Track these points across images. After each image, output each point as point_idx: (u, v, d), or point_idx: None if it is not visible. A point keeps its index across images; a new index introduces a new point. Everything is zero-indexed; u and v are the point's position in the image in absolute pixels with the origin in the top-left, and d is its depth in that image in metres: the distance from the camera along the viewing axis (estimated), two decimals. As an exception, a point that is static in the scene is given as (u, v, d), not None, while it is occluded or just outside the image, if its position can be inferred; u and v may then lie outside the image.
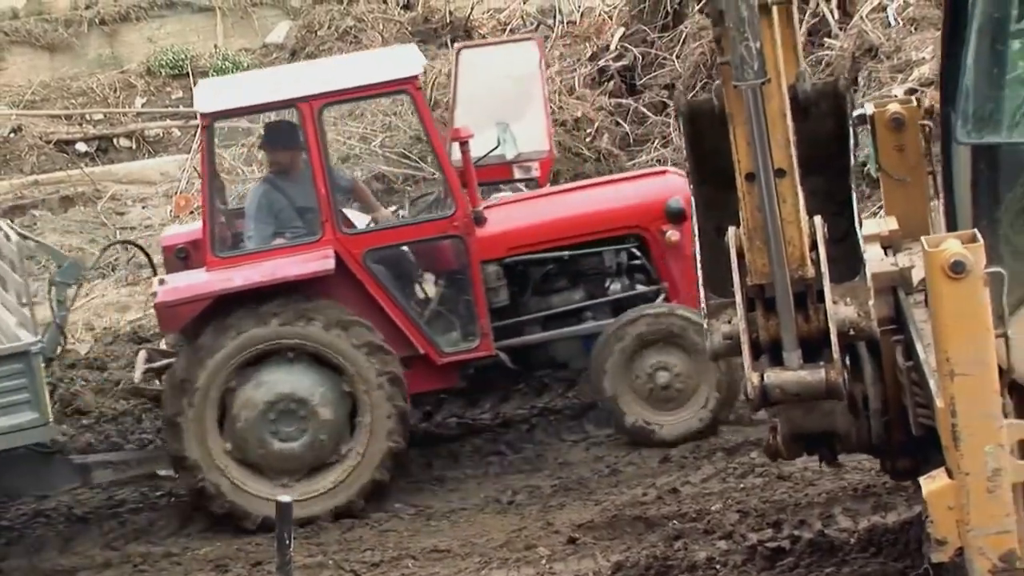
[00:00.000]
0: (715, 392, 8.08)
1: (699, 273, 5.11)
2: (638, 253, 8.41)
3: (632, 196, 8.61)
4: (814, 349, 4.93)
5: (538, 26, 18.88)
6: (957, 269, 4.39)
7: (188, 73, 24.39)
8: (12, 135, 20.92)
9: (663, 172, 8.98)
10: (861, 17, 14.80)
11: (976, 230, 4.58)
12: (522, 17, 19.03)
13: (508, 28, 18.72)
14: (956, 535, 4.54)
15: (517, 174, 8.96)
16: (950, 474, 4.55)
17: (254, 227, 8.35)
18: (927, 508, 4.59)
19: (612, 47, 17.09)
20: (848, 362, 5.23)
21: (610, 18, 18.06)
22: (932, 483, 4.60)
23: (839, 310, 4.90)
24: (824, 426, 5.40)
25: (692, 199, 5.26)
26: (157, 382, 8.38)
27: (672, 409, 8.13)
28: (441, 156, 8.22)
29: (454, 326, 8.24)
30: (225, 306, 7.90)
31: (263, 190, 8.50)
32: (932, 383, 4.61)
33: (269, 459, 7.92)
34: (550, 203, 8.69)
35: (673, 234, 8.25)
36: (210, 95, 8.72)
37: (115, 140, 21.59)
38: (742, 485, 7.42)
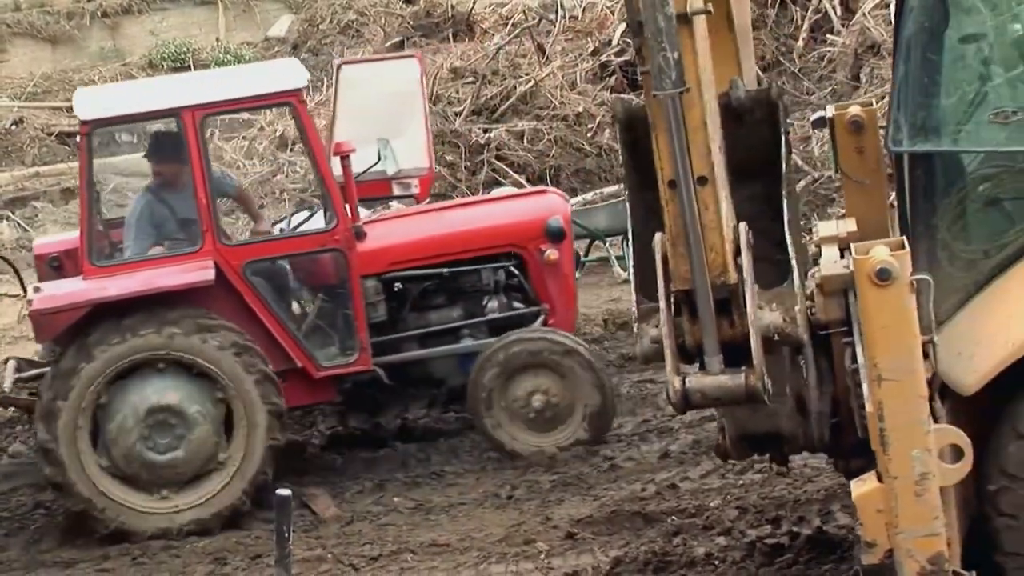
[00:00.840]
0: (590, 413, 8.13)
1: (632, 277, 5.23)
2: (517, 272, 8.41)
3: (512, 214, 8.65)
4: (743, 354, 4.98)
5: (540, 20, 18.87)
6: (883, 276, 4.47)
7: (190, 66, 24.40)
8: (14, 127, 20.94)
9: (544, 191, 9.01)
10: (863, 14, 14.79)
11: (905, 238, 4.66)
12: (524, 11, 19.00)
13: (510, 22, 18.71)
14: (885, 538, 4.62)
15: (397, 190, 8.98)
16: (880, 478, 4.62)
17: (133, 237, 8.29)
18: (857, 511, 4.67)
19: (614, 42, 17.07)
20: (802, 363, 5.31)
21: (612, 13, 18.04)
22: (862, 486, 4.70)
23: (764, 315, 4.99)
24: (769, 427, 5.48)
25: (628, 204, 5.33)
26: (27, 392, 8.27)
27: (548, 431, 8.16)
28: (323, 169, 8.15)
29: (333, 340, 8.22)
30: (94, 319, 7.81)
31: (145, 200, 8.46)
32: (864, 387, 4.66)
33: (148, 472, 7.87)
34: (431, 220, 8.72)
35: (552, 253, 8.29)
36: (90, 103, 8.68)
37: (116, 133, 21.56)
38: (741, 481, 7.43)
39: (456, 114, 15.86)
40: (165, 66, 24.51)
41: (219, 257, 7.99)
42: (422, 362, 8.38)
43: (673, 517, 7.07)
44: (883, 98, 13.15)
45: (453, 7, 19.48)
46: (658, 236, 5.03)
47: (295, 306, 8.41)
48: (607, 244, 12.90)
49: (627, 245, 13.19)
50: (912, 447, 4.51)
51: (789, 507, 6.94)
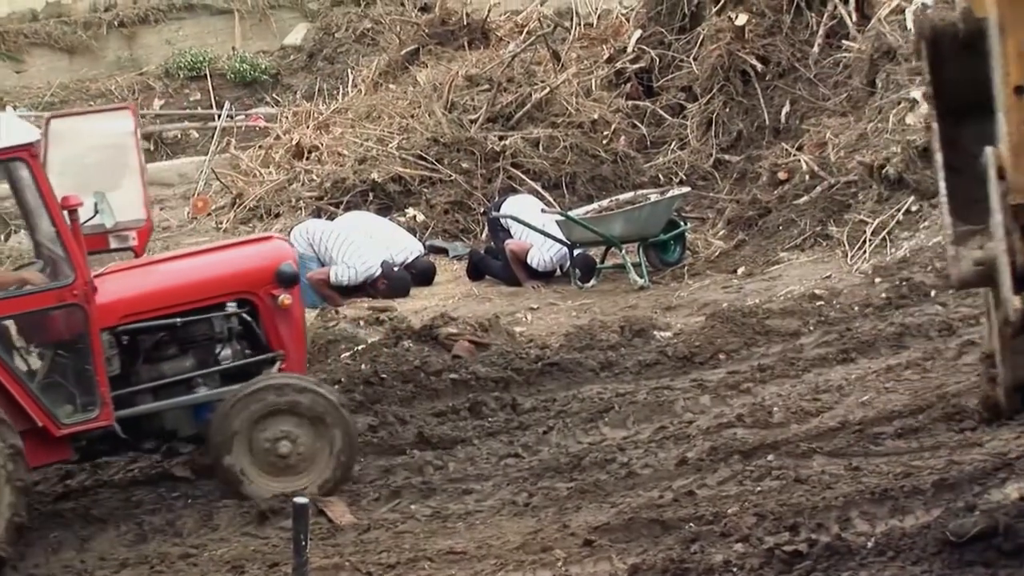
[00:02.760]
0: (335, 458, 8.09)
1: (944, 203, 4.81)
2: (250, 319, 8.34)
3: (243, 261, 8.58)
4: None
5: (555, 28, 18.89)
6: None
7: (206, 75, 24.47)
8: (31, 137, 20.88)
9: (270, 238, 8.92)
10: (879, 20, 14.78)
11: None
12: (539, 19, 19.02)
13: (525, 30, 18.72)
14: None
15: (114, 244, 8.81)
16: None
17: None
18: None
19: (629, 49, 17.10)
20: None
21: (627, 20, 18.08)
22: None
23: None
24: None
25: (933, 129, 4.93)
26: None
27: (290, 476, 8.10)
28: (60, 224, 7.87)
29: (73, 397, 8.02)
30: None
31: None
32: None
33: None
34: (161, 270, 8.62)
35: (286, 298, 8.25)
36: None
37: None
38: (759, 488, 7.41)
39: (472, 121, 15.89)
40: (182, 75, 24.60)
41: None
42: (157, 414, 8.24)
43: (691, 524, 7.05)
44: (899, 103, 13.14)
45: (468, 15, 19.51)
46: (989, 150, 4.66)
47: (33, 363, 8.16)
48: (623, 251, 12.90)
49: (642, 252, 13.26)
50: None
51: (807, 514, 6.92)
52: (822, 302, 10.55)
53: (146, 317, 8.22)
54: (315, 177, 15.82)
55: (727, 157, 15.25)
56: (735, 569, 6.48)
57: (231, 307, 8.35)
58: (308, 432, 8.08)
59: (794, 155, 13.72)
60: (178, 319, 8.25)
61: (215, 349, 8.38)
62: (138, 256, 8.88)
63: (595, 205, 13.63)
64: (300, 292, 8.54)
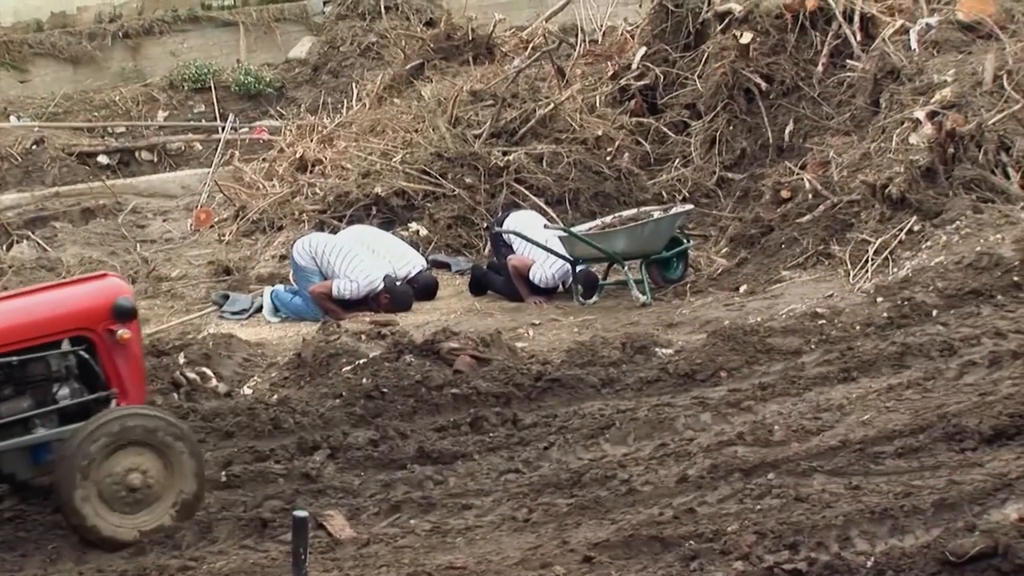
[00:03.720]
0: (182, 500, 7.95)
1: None
2: (88, 356, 8.21)
3: (80, 298, 8.38)
4: None
5: (560, 44, 18.92)
6: None
7: (211, 87, 24.52)
8: (35, 147, 21.06)
9: (104, 275, 8.82)
10: (883, 39, 14.83)
11: None
12: (544, 35, 19.07)
13: (530, 46, 18.76)
14: None
15: None
16: None
17: None
18: None
19: (634, 66, 17.15)
20: None
21: (632, 37, 18.12)
22: None
23: None
24: None
25: None
26: None
27: (133, 512, 7.93)
28: None
29: None
30: None
31: None
32: None
33: None
34: None
35: (124, 333, 8.12)
36: None
37: (137, 153, 21.72)
38: (759, 506, 7.40)
39: (476, 137, 15.93)
40: (186, 87, 24.66)
41: None
42: None
43: (691, 542, 7.05)
44: (902, 123, 13.16)
45: (474, 30, 19.57)
46: None
47: None
48: (625, 268, 12.91)
49: (644, 269, 13.28)
50: None
51: (807, 532, 6.92)
52: (824, 321, 10.55)
53: None
54: (318, 190, 15.85)
55: (730, 175, 15.27)
56: (734, 587, 6.48)
57: (67, 345, 8.16)
58: (161, 471, 7.91)
59: (797, 174, 13.74)
60: (13, 358, 8.04)
61: (52, 388, 8.18)
62: None
63: (598, 221, 13.64)
64: (138, 326, 8.36)
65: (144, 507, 7.94)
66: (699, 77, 16.06)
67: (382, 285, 12.99)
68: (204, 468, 8.15)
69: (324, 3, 26.01)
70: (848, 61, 15.21)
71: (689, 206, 13.96)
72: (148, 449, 7.90)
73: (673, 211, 13.31)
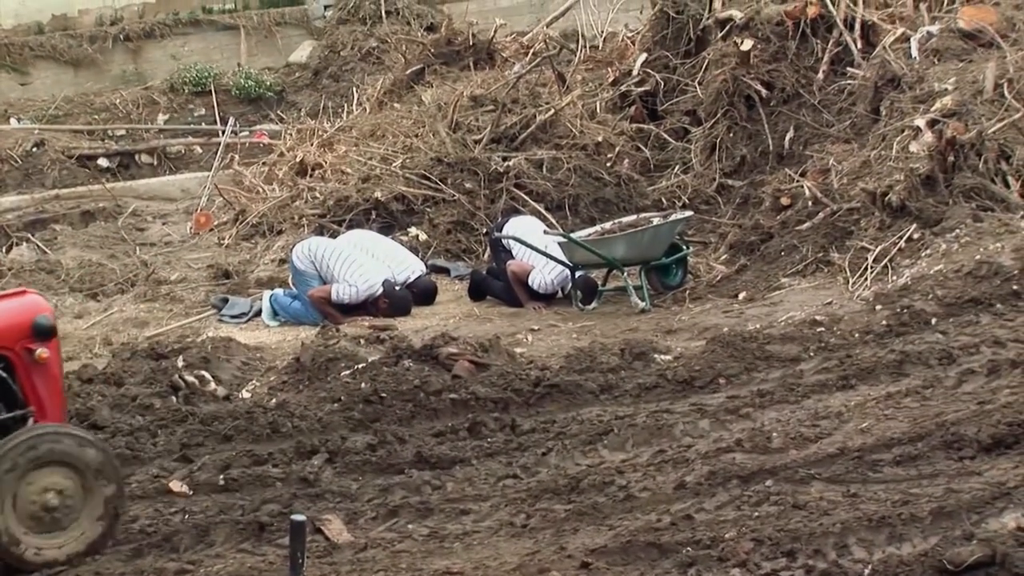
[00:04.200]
0: (103, 511, 7.77)
1: None
2: (5, 375, 8.00)
3: None
4: None
5: (561, 50, 18.94)
6: None
7: (211, 91, 24.52)
8: (35, 149, 21.07)
9: (23, 292, 8.70)
10: (884, 47, 14.83)
11: None
12: (545, 41, 19.09)
13: (531, 51, 18.78)
14: None
15: None
16: None
17: None
18: None
19: (634, 72, 17.15)
20: None
21: (633, 43, 18.14)
22: None
23: None
24: None
25: None
26: None
27: (48, 533, 7.72)
28: None
29: None
30: None
31: None
32: None
33: None
34: None
35: (43, 352, 7.94)
36: None
37: (137, 156, 21.72)
38: (757, 513, 7.40)
39: (476, 142, 15.93)
40: (186, 90, 24.67)
41: None
42: None
43: (688, 548, 7.04)
44: (902, 131, 13.16)
45: (474, 36, 19.58)
46: None
47: None
48: (625, 274, 12.91)
49: (643, 275, 13.27)
50: None
51: (804, 540, 6.91)
52: (823, 328, 10.55)
53: None
54: (318, 195, 15.85)
55: (730, 182, 15.28)
56: (732, 594, 6.48)
57: None
58: (79, 491, 7.72)
59: (797, 181, 13.74)
60: None
61: None
62: None
63: (598, 227, 13.64)
64: (58, 344, 8.16)
65: (58, 528, 7.68)
66: (699, 84, 16.07)
67: (381, 290, 12.99)
68: (123, 485, 7.89)
69: (325, 7, 26.03)
70: (849, 69, 15.22)
71: (689, 213, 13.96)
72: (64, 468, 7.67)
73: (673, 217, 13.32)
